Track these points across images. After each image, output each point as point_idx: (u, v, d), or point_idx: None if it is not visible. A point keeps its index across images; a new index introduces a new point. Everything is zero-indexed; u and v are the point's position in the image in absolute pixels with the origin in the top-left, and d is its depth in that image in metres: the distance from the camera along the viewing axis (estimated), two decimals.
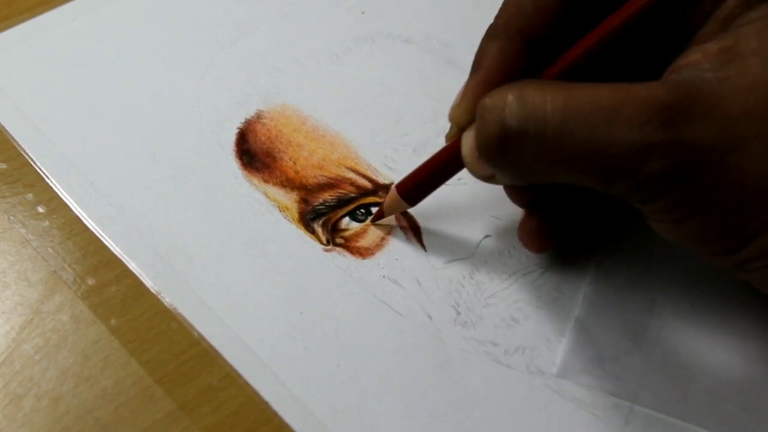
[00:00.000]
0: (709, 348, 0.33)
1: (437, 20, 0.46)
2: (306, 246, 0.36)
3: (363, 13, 0.46)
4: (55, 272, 0.34)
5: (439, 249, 0.36)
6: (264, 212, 0.37)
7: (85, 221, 0.36)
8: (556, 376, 0.33)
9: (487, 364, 0.33)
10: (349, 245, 0.36)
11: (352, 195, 0.38)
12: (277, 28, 0.45)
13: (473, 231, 0.37)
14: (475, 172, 0.31)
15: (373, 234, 0.37)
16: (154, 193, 0.37)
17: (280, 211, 0.37)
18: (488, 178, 0.31)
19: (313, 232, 0.36)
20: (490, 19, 0.32)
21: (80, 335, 0.33)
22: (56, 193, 0.37)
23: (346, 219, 0.37)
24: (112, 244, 0.35)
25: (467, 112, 0.31)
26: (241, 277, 0.35)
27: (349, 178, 0.38)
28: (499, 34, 0.31)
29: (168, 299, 0.34)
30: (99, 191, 0.37)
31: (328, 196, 0.38)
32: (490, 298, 0.35)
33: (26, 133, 0.39)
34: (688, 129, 0.27)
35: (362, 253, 0.36)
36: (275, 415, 0.31)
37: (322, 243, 0.36)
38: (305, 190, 0.38)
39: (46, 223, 0.36)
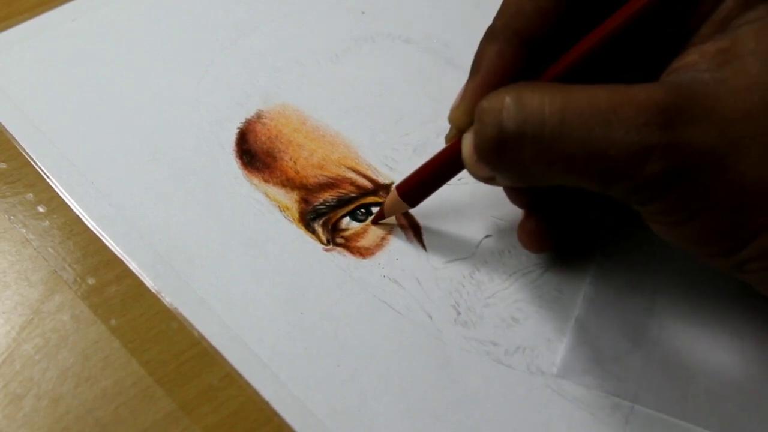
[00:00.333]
0: (709, 348, 0.33)
1: (437, 20, 0.46)
2: (306, 246, 0.36)
3: (363, 13, 0.46)
4: (56, 272, 0.35)
5: (440, 249, 0.36)
6: (264, 212, 0.37)
7: (85, 221, 0.36)
8: (557, 376, 0.33)
9: (488, 364, 0.33)
10: (349, 245, 0.36)
11: (353, 195, 0.38)
12: (277, 28, 0.45)
13: (473, 231, 0.37)
14: (475, 174, 0.31)
15: (374, 234, 0.37)
16: (154, 193, 0.37)
17: (281, 211, 0.37)
18: (488, 180, 0.31)
19: (313, 232, 0.36)
20: (490, 19, 0.32)
21: (80, 335, 0.33)
22: (56, 193, 0.37)
23: (347, 219, 0.37)
24: (113, 244, 0.35)
25: (466, 114, 0.31)
26: (241, 277, 0.35)
27: (350, 178, 0.38)
28: (498, 35, 0.31)
29: (168, 299, 0.34)
30: (99, 191, 0.37)
31: (328, 196, 0.38)
32: (491, 298, 0.35)
33: (26, 133, 0.39)
34: (686, 131, 0.27)
35: (362, 252, 0.36)
36: (275, 414, 0.31)
37: (322, 243, 0.36)
38: (305, 190, 0.38)
39: (47, 222, 0.36)
